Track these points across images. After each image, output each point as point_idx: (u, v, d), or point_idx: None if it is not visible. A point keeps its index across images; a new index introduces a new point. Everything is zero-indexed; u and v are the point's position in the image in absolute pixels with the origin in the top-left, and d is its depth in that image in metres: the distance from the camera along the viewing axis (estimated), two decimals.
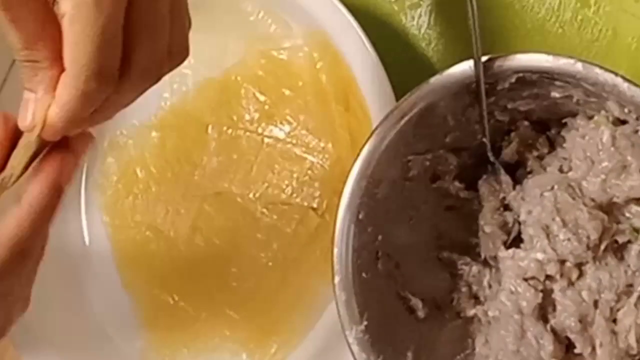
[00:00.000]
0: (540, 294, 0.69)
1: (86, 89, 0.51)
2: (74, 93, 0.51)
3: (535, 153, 0.74)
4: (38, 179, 0.55)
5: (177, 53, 0.57)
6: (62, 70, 0.52)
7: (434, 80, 0.70)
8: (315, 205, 0.83)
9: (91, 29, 0.50)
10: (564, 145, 0.73)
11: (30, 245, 0.55)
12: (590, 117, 0.71)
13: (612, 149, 0.69)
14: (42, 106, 0.53)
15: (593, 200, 0.69)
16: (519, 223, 0.73)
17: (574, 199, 0.69)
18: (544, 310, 0.70)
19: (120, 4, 0.52)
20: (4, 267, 0.54)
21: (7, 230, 0.54)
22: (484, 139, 0.73)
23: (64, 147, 0.56)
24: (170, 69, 0.57)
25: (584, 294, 0.69)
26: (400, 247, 0.73)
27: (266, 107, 0.86)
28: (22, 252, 0.55)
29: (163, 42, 0.55)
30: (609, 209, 0.69)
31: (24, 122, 0.54)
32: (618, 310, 0.69)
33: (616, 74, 0.66)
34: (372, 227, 0.71)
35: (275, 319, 0.83)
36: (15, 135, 0.55)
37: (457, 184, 0.75)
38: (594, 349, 0.69)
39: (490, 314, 0.72)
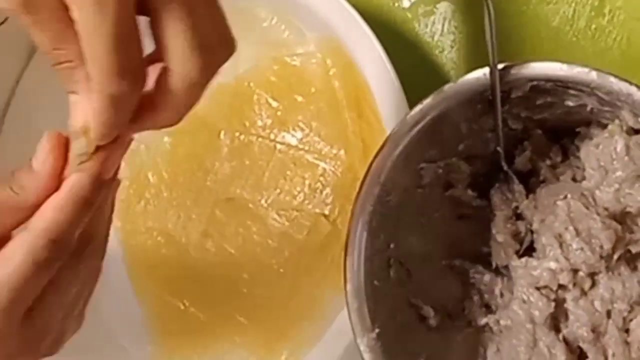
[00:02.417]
0: (553, 304, 0.69)
1: (111, 90, 0.50)
2: (101, 97, 0.50)
3: (548, 162, 0.74)
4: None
5: (223, 43, 0.54)
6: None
7: (448, 87, 0.69)
8: (327, 212, 0.83)
9: (100, 30, 0.49)
10: (578, 154, 0.73)
11: (69, 234, 0.53)
12: (604, 126, 0.71)
13: (626, 158, 0.68)
14: (87, 103, 0.51)
15: (606, 209, 0.69)
16: (532, 232, 0.72)
17: (587, 208, 0.69)
18: (557, 319, 0.70)
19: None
20: (40, 260, 0.52)
21: (43, 215, 0.52)
22: (498, 148, 0.72)
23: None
24: (221, 62, 0.54)
25: (597, 303, 0.69)
26: (412, 255, 0.73)
27: (279, 113, 0.86)
28: (62, 242, 0.52)
29: (201, 30, 0.52)
30: (623, 219, 0.69)
31: (77, 125, 0.52)
32: (631, 320, 0.69)
33: (630, 83, 0.65)
34: (384, 234, 0.70)
35: (285, 325, 0.83)
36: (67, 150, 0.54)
37: (469, 192, 0.75)
38: (606, 359, 0.69)
39: (502, 323, 0.71)
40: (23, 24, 0.50)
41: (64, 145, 0.53)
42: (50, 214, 0.52)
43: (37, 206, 0.53)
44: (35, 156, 0.53)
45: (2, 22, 0.81)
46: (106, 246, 0.59)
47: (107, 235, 0.59)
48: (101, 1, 0.48)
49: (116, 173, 0.55)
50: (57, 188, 0.53)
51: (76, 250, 0.54)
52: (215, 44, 0.53)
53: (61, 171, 0.53)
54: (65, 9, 0.50)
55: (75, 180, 0.53)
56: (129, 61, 0.50)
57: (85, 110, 0.51)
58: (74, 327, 0.60)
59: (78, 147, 0.53)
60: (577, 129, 0.73)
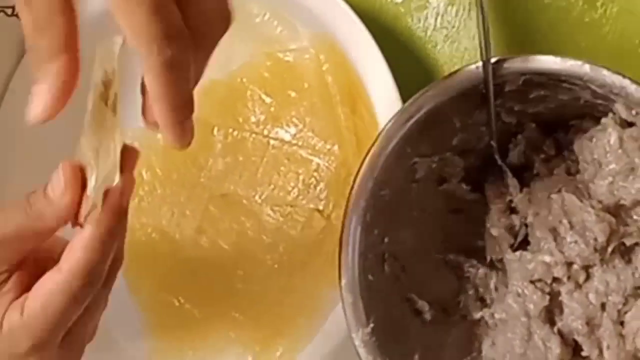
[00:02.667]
0: (547, 297, 0.69)
1: (164, 57, 0.49)
2: (157, 67, 0.50)
3: (542, 155, 0.74)
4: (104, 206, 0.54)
5: (225, 18, 0.55)
6: (69, 63, 0.51)
7: (441, 82, 0.70)
8: (321, 208, 0.83)
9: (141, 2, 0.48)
10: (571, 147, 0.73)
11: (101, 268, 0.55)
12: (598, 119, 0.71)
13: (620, 151, 0.69)
14: (50, 97, 0.51)
15: (600, 202, 0.69)
16: (526, 226, 0.72)
17: (581, 201, 0.69)
18: (551, 313, 0.70)
19: None
20: (77, 296, 0.55)
21: (75, 255, 0.54)
22: (492, 142, 0.72)
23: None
24: (220, 36, 0.55)
25: (591, 296, 0.69)
26: (407, 249, 0.73)
27: (272, 109, 0.86)
28: (96, 278, 0.55)
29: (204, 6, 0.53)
30: (617, 212, 0.69)
31: (34, 117, 0.52)
32: (625, 313, 0.69)
33: (624, 76, 0.65)
34: (379, 229, 0.71)
35: (281, 321, 0.83)
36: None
37: (463, 186, 0.75)
38: (601, 351, 0.69)
39: (497, 316, 0.72)
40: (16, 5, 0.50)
41: (81, 177, 0.54)
42: (82, 255, 0.54)
43: (56, 230, 0.56)
44: (51, 185, 0.54)
45: None
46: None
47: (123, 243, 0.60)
48: None
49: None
50: (76, 215, 0.54)
51: (107, 278, 0.57)
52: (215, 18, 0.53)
53: (79, 200, 0.54)
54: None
55: (102, 218, 0.54)
56: (171, 25, 0.50)
57: (43, 103, 0.51)
58: (90, 337, 0.62)
59: (99, 180, 0.54)
60: (571, 122, 0.73)
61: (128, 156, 0.55)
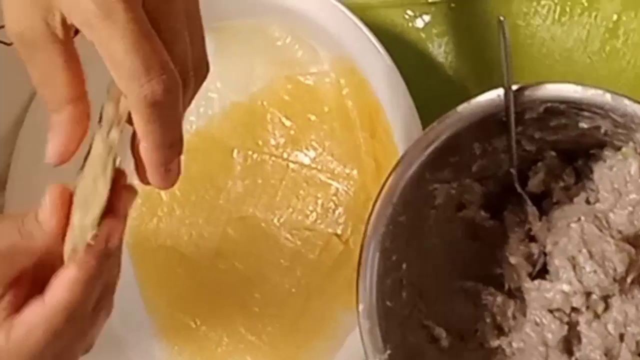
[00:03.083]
0: (566, 326, 0.69)
1: (147, 94, 0.50)
2: (138, 105, 0.50)
3: (561, 184, 0.74)
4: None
5: (199, 68, 0.56)
6: (74, 112, 0.53)
7: (461, 108, 0.69)
8: (339, 232, 0.83)
9: (116, 36, 0.49)
10: (591, 176, 0.73)
11: (84, 307, 0.55)
12: (618, 149, 0.71)
13: None
14: (56, 144, 0.54)
15: (620, 232, 0.69)
16: (545, 254, 0.72)
17: (600, 230, 0.69)
18: (569, 342, 0.70)
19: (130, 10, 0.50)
20: (58, 332, 0.55)
21: (57, 293, 0.54)
22: (512, 170, 0.72)
23: (110, 212, 0.55)
24: (196, 87, 0.56)
25: (610, 327, 0.68)
26: (425, 275, 0.73)
27: (292, 132, 0.86)
28: (79, 314, 0.55)
29: (184, 48, 0.54)
30: (636, 242, 0.69)
31: (48, 159, 0.55)
32: None
33: None
34: (397, 255, 0.70)
35: (297, 345, 0.83)
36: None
37: (482, 213, 0.75)
38: None
39: (514, 345, 0.71)
40: (19, 56, 0.52)
41: (68, 202, 0.55)
42: (64, 295, 0.54)
43: (45, 251, 0.55)
44: (41, 208, 0.55)
45: (12, 43, 0.82)
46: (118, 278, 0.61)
47: (119, 268, 0.60)
48: (110, 9, 0.49)
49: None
50: (62, 236, 0.55)
51: (96, 305, 0.57)
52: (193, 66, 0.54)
53: (66, 223, 0.55)
54: (62, 52, 0.52)
55: (85, 261, 0.54)
56: (154, 60, 0.50)
57: (53, 148, 0.54)
58: (84, 349, 0.61)
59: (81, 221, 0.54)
60: (591, 151, 0.73)
61: (125, 197, 0.55)
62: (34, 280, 0.57)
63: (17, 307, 0.56)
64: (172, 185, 0.55)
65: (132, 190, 0.56)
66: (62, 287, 0.54)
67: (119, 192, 0.55)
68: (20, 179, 0.88)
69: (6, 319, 0.55)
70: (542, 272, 0.72)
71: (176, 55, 0.53)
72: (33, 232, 0.55)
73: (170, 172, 0.54)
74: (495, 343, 0.72)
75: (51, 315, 0.54)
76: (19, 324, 0.55)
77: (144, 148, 0.52)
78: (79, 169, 0.56)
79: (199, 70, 0.56)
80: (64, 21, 0.51)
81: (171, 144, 0.53)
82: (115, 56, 0.50)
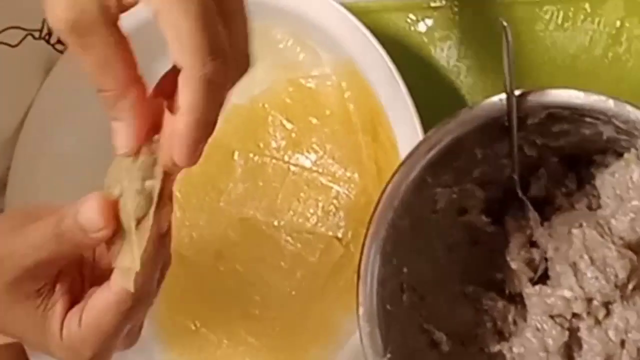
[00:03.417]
0: (567, 332, 0.69)
1: (203, 75, 0.50)
2: (195, 85, 0.50)
3: (563, 189, 0.74)
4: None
5: (242, 59, 0.56)
6: (138, 94, 0.53)
7: (463, 113, 0.69)
8: (339, 235, 0.83)
9: (189, 13, 0.49)
10: (593, 182, 0.73)
11: (149, 287, 0.58)
12: (620, 155, 0.71)
13: None
14: (131, 131, 0.53)
15: (622, 238, 0.69)
16: (546, 260, 0.72)
17: (602, 237, 0.68)
18: (570, 348, 0.69)
19: None
20: (127, 314, 0.58)
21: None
22: (513, 175, 0.72)
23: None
24: (245, 70, 0.56)
25: (611, 333, 0.68)
26: (425, 280, 0.73)
27: (293, 135, 0.86)
28: (145, 295, 0.58)
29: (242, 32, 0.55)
30: (638, 248, 0.69)
31: (121, 149, 0.54)
32: None
33: None
34: (398, 259, 0.70)
35: (296, 348, 0.83)
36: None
37: (483, 218, 0.75)
38: None
39: (515, 350, 0.71)
40: (70, 48, 0.51)
41: (114, 207, 0.56)
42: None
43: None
44: (86, 218, 0.55)
45: (17, 45, 0.82)
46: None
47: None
48: None
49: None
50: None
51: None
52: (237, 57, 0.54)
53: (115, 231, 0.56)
54: (115, 33, 0.51)
55: (147, 248, 0.55)
56: (216, 41, 0.50)
57: (127, 135, 0.54)
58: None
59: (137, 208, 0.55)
60: (593, 157, 0.73)
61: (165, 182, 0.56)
62: (77, 266, 0.61)
63: (73, 293, 0.59)
64: (195, 163, 0.54)
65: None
66: None
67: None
68: (20, 182, 0.87)
69: (69, 306, 0.59)
70: (543, 278, 0.72)
71: (234, 37, 0.53)
72: (78, 241, 0.56)
73: (197, 152, 0.53)
74: (495, 348, 0.72)
75: (119, 301, 0.57)
76: (89, 312, 0.58)
77: (185, 122, 0.52)
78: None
79: (242, 61, 0.56)
80: (119, 1, 0.51)
81: (212, 123, 0.53)
82: (181, 32, 0.49)
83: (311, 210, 0.84)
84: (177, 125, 0.52)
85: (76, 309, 0.59)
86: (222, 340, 0.85)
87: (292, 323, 0.84)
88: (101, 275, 0.60)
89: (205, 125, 0.52)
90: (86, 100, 0.87)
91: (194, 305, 0.87)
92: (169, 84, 0.53)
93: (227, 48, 0.51)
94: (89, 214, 0.55)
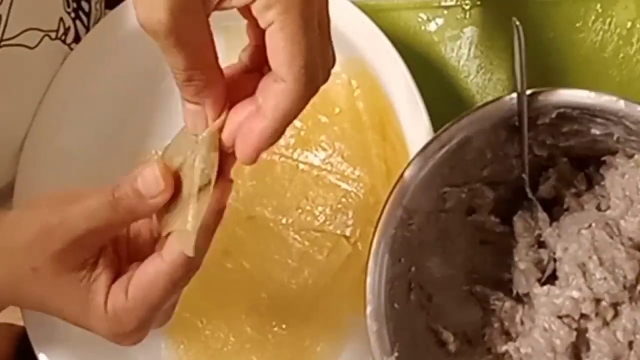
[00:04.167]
0: (575, 333, 0.68)
1: (303, 93, 0.54)
2: (292, 99, 0.53)
3: (572, 190, 0.74)
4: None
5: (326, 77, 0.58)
6: (222, 84, 0.56)
7: (473, 112, 0.69)
8: (347, 234, 0.83)
9: (302, 30, 0.52)
10: (603, 183, 0.73)
11: (199, 259, 0.60)
12: (631, 156, 0.70)
13: None
14: (212, 116, 0.56)
15: (631, 239, 0.69)
16: (554, 260, 0.72)
17: (611, 237, 0.68)
18: (578, 349, 0.69)
19: (316, 5, 0.54)
20: (177, 284, 0.60)
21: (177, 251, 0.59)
22: (523, 175, 0.72)
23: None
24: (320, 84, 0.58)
25: (619, 334, 0.68)
26: (433, 279, 0.72)
27: (302, 132, 0.86)
28: (195, 267, 0.61)
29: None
30: None
31: (197, 129, 0.56)
32: None
33: None
34: (406, 258, 0.70)
35: (303, 346, 0.83)
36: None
37: (492, 218, 0.75)
38: None
39: (522, 350, 0.71)
40: (161, 46, 0.53)
41: (173, 175, 0.58)
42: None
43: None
44: (144, 183, 0.58)
45: (35, 47, 0.82)
46: None
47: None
48: (305, 4, 0.53)
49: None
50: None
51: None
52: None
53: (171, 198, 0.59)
54: (208, 29, 0.54)
55: (205, 217, 0.58)
56: (317, 62, 0.54)
57: (207, 119, 0.56)
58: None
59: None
60: (603, 158, 0.73)
61: (231, 160, 0.59)
62: (115, 240, 0.63)
63: (115, 266, 0.61)
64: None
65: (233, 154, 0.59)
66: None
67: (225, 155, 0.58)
68: (27, 185, 0.87)
69: (112, 279, 0.60)
70: (551, 278, 0.72)
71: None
72: (134, 207, 0.59)
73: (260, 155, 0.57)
74: (502, 348, 0.72)
75: (172, 269, 0.59)
76: (138, 283, 0.60)
77: (267, 127, 0.55)
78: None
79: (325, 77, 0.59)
80: (220, 2, 0.53)
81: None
82: (295, 49, 0.52)
83: (319, 209, 0.84)
84: (255, 125, 0.55)
85: (120, 282, 0.60)
86: (229, 337, 0.85)
87: (299, 321, 0.83)
88: (138, 252, 0.63)
89: (280, 134, 0.56)
90: (94, 97, 0.88)
91: (200, 302, 0.86)
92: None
93: (320, 75, 0.55)
94: (148, 178, 0.58)
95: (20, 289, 0.62)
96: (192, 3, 0.52)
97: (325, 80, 0.58)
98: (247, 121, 0.56)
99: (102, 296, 0.60)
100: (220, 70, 0.56)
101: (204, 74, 0.54)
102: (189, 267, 0.59)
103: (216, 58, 0.56)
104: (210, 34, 0.54)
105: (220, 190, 0.58)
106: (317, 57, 0.54)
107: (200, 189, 0.57)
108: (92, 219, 0.58)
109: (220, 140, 0.57)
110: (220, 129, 0.57)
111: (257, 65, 0.58)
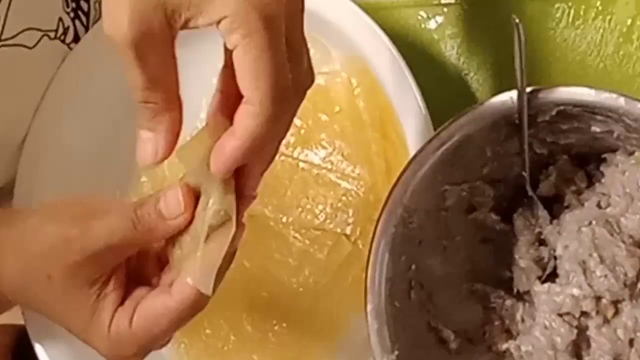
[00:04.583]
0: (575, 331, 0.68)
1: (271, 114, 0.54)
2: (259, 121, 0.54)
3: (573, 187, 0.74)
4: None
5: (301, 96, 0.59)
6: (177, 113, 0.56)
7: (473, 110, 0.69)
8: (348, 232, 0.83)
9: (266, 54, 0.52)
10: (603, 180, 0.73)
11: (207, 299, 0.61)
12: (631, 153, 0.70)
13: None
14: (162, 144, 0.56)
15: (631, 237, 0.69)
16: (555, 258, 0.72)
17: (612, 235, 0.68)
18: (578, 347, 0.69)
19: (282, 27, 0.54)
20: (182, 321, 0.61)
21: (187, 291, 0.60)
22: (523, 173, 0.72)
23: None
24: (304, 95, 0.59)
25: (620, 332, 0.68)
26: (434, 277, 0.72)
27: (302, 131, 0.86)
28: (199, 306, 0.61)
29: (306, 62, 0.58)
30: None
31: (145, 161, 0.57)
32: None
33: None
34: (406, 256, 0.70)
35: (303, 345, 0.83)
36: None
37: (493, 216, 0.74)
38: None
39: (523, 348, 0.71)
40: (124, 60, 0.53)
41: (194, 198, 0.59)
42: (192, 289, 0.59)
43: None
44: (166, 204, 0.59)
45: (34, 46, 0.81)
46: None
47: None
48: (268, 27, 0.52)
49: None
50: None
51: None
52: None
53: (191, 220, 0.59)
54: (172, 49, 0.54)
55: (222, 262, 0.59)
56: (286, 83, 0.54)
57: (157, 148, 0.56)
58: None
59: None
60: (603, 155, 0.73)
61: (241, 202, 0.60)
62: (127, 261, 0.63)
63: (124, 287, 0.62)
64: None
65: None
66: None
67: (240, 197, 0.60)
68: (27, 185, 0.87)
69: (120, 301, 0.61)
70: (551, 276, 0.72)
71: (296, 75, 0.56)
72: (154, 227, 0.59)
73: (231, 170, 0.57)
74: (503, 346, 0.72)
75: (180, 309, 0.60)
76: (144, 315, 0.60)
77: (236, 146, 0.55)
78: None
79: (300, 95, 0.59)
80: (186, 22, 0.53)
81: (270, 153, 0.60)
82: (259, 70, 0.53)
83: (320, 207, 0.84)
84: (227, 143, 0.55)
85: (126, 308, 0.61)
86: (229, 336, 0.85)
87: (300, 320, 0.83)
88: (142, 269, 0.64)
89: (255, 153, 0.56)
90: (94, 97, 0.87)
91: None
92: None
93: (291, 89, 0.55)
94: (171, 199, 0.59)
95: (33, 293, 0.62)
96: (156, 20, 0.52)
97: (301, 99, 0.58)
98: (223, 137, 0.56)
99: (107, 316, 0.61)
100: (179, 98, 0.56)
101: (160, 97, 0.55)
102: (197, 306, 0.60)
103: (177, 84, 0.56)
104: (174, 58, 0.54)
105: (235, 233, 0.59)
106: (285, 79, 0.54)
107: (214, 229, 0.59)
108: (113, 236, 0.59)
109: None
110: (236, 173, 0.58)
111: (230, 87, 0.58)
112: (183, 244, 0.60)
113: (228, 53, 0.55)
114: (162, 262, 0.63)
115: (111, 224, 0.59)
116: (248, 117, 0.54)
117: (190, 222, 0.59)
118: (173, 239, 0.61)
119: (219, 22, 0.52)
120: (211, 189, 0.58)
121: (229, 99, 0.57)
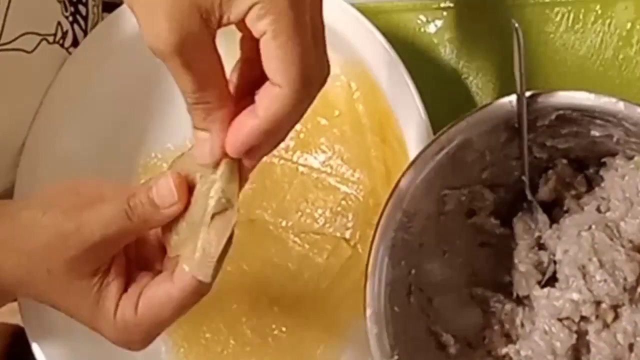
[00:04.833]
0: (575, 335, 0.68)
1: (297, 96, 0.55)
2: (285, 102, 0.55)
3: (572, 192, 0.74)
4: None
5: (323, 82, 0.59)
6: (230, 108, 0.57)
7: (473, 114, 0.69)
8: (347, 236, 0.83)
9: (295, 37, 0.54)
10: (603, 185, 0.73)
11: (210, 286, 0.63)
12: (630, 158, 0.70)
13: None
14: (218, 143, 0.57)
15: (631, 241, 0.69)
16: (554, 262, 0.72)
17: (611, 239, 0.68)
18: (578, 351, 0.69)
19: (307, 12, 0.55)
20: (186, 307, 0.63)
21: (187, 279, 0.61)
22: (523, 177, 0.72)
23: None
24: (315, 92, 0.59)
25: (619, 336, 0.68)
26: (433, 282, 0.72)
27: (301, 135, 0.86)
28: (202, 292, 0.63)
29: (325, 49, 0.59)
30: None
31: (204, 159, 0.58)
32: None
33: None
34: (406, 260, 0.70)
35: (303, 349, 0.83)
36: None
37: (492, 220, 0.74)
38: None
39: (522, 353, 0.71)
40: (169, 67, 0.54)
41: (187, 187, 0.60)
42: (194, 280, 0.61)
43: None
44: (159, 194, 0.60)
45: (32, 51, 0.81)
46: None
47: None
48: (295, 12, 0.54)
49: None
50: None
51: None
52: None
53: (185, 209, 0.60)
54: (215, 48, 0.55)
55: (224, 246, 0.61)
56: (313, 69, 0.55)
57: (213, 147, 0.57)
58: None
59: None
60: (603, 160, 0.73)
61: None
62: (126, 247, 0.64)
63: (126, 273, 0.63)
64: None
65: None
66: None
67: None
68: (27, 190, 0.87)
69: (123, 287, 0.62)
70: (551, 280, 0.72)
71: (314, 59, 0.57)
72: (148, 217, 0.60)
73: (246, 152, 0.58)
74: (503, 351, 0.72)
75: (182, 295, 0.61)
76: (148, 304, 0.62)
77: (258, 127, 0.56)
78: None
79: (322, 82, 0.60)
80: (220, 20, 0.54)
81: (282, 138, 0.60)
82: (288, 56, 0.54)
83: (319, 211, 0.84)
84: (247, 121, 0.56)
85: (131, 293, 0.62)
86: (229, 340, 0.85)
87: (299, 324, 0.83)
88: (146, 255, 0.65)
89: (271, 135, 0.57)
90: (93, 101, 0.87)
91: (200, 305, 0.86)
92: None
93: (316, 81, 0.56)
94: (162, 189, 0.60)
95: (36, 287, 0.63)
96: (194, 23, 0.53)
97: (322, 86, 0.59)
98: (241, 116, 0.57)
99: (112, 304, 0.62)
100: (230, 93, 0.57)
101: (212, 96, 0.56)
102: (200, 292, 0.62)
103: (225, 80, 0.57)
104: (218, 56, 0.55)
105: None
106: (312, 63, 0.55)
107: (213, 216, 0.59)
108: (107, 227, 0.60)
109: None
110: (239, 159, 0.59)
111: (248, 80, 0.59)
112: (179, 230, 0.61)
113: (247, 44, 0.57)
114: (164, 246, 0.64)
115: (105, 216, 0.60)
116: (273, 98, 0.54)
117: (185, 209, 0.60)
118: (170, 225, 0.61)
119: (247, 13, 0.53)
120: (210, 176, 0.59)
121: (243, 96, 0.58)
